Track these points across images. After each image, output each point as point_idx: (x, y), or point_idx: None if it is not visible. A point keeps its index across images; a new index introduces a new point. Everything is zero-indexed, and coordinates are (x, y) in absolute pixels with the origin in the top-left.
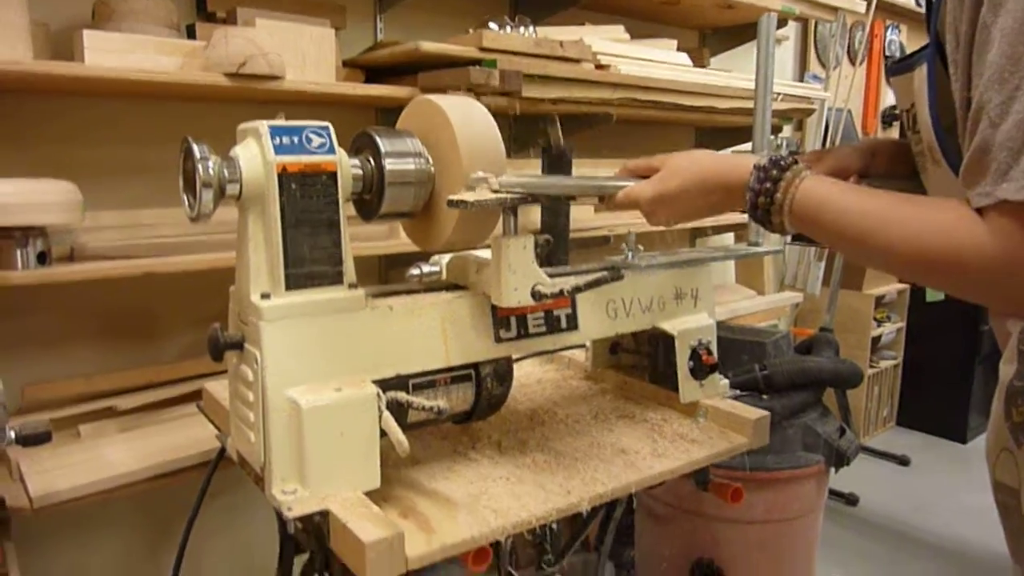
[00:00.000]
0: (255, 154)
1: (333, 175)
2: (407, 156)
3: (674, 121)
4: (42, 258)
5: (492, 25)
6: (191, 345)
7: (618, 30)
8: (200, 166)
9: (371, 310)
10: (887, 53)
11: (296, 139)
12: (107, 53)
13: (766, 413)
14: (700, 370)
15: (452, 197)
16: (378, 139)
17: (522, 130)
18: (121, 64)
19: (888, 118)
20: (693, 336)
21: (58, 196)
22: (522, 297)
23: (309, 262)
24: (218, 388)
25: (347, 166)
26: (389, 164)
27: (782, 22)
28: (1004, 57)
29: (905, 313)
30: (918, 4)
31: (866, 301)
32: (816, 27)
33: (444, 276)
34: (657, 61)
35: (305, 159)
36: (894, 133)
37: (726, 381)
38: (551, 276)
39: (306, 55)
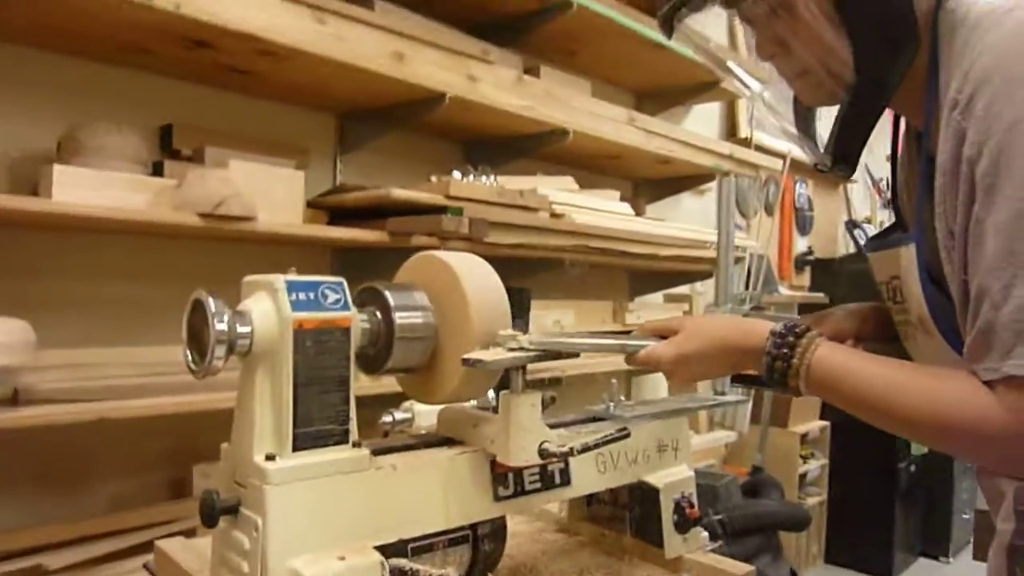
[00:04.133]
0: (269, 310)
1: (347, 331)
2: (416, 310)
3: (616, 265)
4: None
5: (456, 173)
6: (127, 494)
7: (568, 180)
8: (214, 321)
9: (375, 471)
10: (797, 205)
11: (312, 295)
12: (76, 188)
13: (751, 568)
14: (684, 524)
15: (468, 356)
16: (387, 293)
17: None
18: (91, 200)
19: (800, 264)
20: (676, 489)
21: (11, 336)
22: (530, 455)
23: (318, 421)
24: (174, 547)
25: (358, 321)
26: (399, 318)
27: (710, 176)
28: (1001, 248)
29: (827, 449)
30: (883, 193)
31: (792, 438)
32: (736, 180)
33: (416, 423)
34: (605, 211)
35: (320, 315)
36: (806, 278)
37: (706, 533)
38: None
39: (275, 196)
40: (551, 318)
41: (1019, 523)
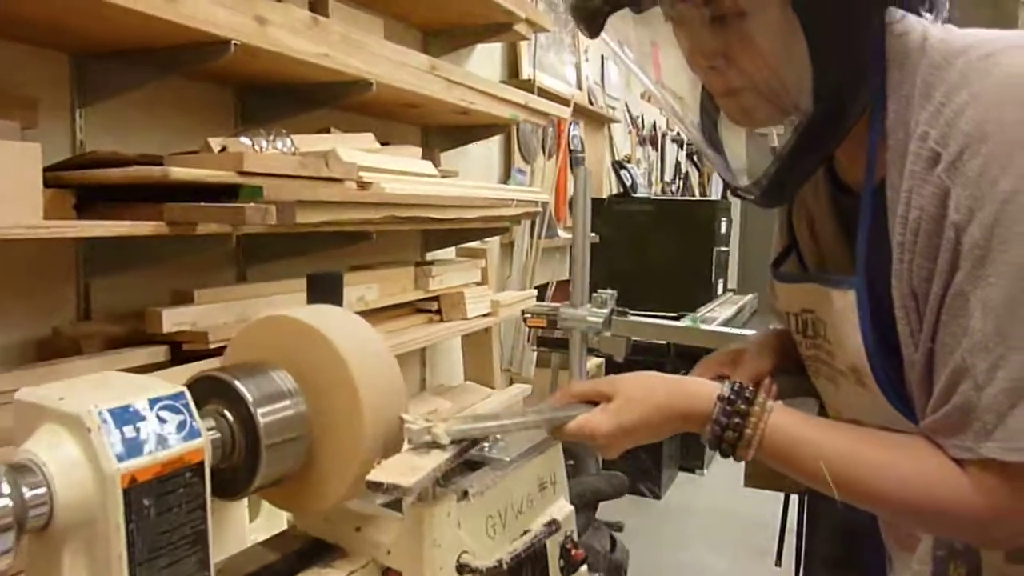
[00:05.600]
0: (77, 461)
1: (199, 467)
2: (281, 400)
3: (411, 229)
4: None
5: (244, 139)
6: None
7: (368, 138)
8: None
9: None
10: (571, 147)
11: (143, 428)
12: None
13: None
14: (570, 567)
15: (378, 479)
16: (238, 385)
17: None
18: None
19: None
20: (561, 531)
21: None
22: None
23: None
24: None
25: (208, 441)
26: (264, 417)
27: (503, 126)
28: (989, 328)
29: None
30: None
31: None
32: (519, 126)
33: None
34: (412, 174)
35: (161, 457)
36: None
37: (585, 567)
38: None
39: (2, 181)
40: (355, 295)
41: (936, 567)
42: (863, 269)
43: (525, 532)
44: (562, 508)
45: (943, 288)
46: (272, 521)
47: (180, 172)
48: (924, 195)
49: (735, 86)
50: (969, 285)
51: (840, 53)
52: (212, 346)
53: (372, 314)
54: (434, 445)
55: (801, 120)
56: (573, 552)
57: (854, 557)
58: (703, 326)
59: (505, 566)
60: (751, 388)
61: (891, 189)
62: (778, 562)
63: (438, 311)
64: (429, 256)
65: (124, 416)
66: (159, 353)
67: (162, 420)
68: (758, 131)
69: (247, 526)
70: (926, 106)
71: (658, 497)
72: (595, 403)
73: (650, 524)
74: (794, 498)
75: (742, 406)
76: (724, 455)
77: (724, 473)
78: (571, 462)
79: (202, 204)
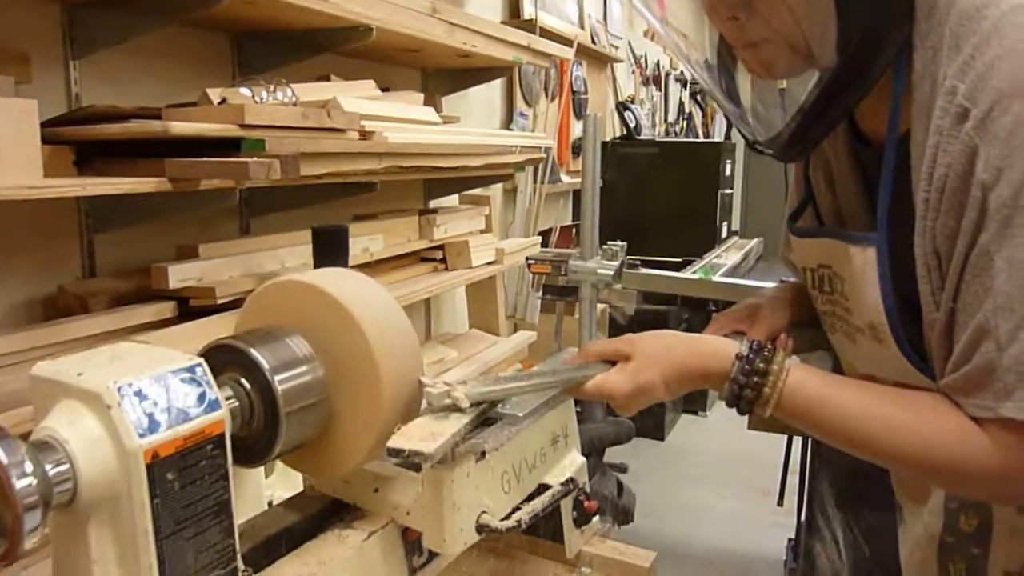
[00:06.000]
0: (98, 438)
1: (220, 439)
2: (299, 366)
3: (415, 178)
4: None
5: (244, 90)
6: None
7: (369, 85)
8: (13, 477)
9: None
10: (574, 88)
11: (163, 401)
12: None
13: (654, 554)
14: (583, 518)
15: (400, 446)
16: (254, 353)
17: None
18: None
19: (576, 149)
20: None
21: None
22: (468, 537)
23: (196, 574)
24: None
25: (227, 411)
26: (281, 384)
27: (506, 68)
28: (1014, 288)
29: (607, 328)
30: (644, 70)
31: (574, 322)
32: (521, 68)
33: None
34: (415, 121)
35: (183, 430)
36: (580, 163)
37: (597, 517)
38: None
39: (1, 140)
40: (360, 246)
41: (948, 519)
42: (885, 226)
43: (540, 486)
44: (574, 461)
45: (967, 247)
46: (288, 477)
47: (180, 127)
48: (951, 152)
49: (755, 39)
50: (995, 245)
51: (866, 2)
52: (219, 301)
53: (377, 264)
54: (454, 408)
55: (825, 73)
56: (586, 504)
57: (857, 498)
58: (715, 278)
59: (524, 526)
60: (769, 346)
61: (915, 144)
62: (780, 502)
63: (443, 260)
64: (432, 204)
65: (143, 391)
66: (166, 309)
67: (181, 393)
68: (777, 83)
69: (263, 483)
70: (955, 58)
71: (661, 439)
72: (612, 362)
73: (654, 465)
74: (797, 440)
75: (760, 364)
76: (742, 413)
77: (727, 415)
78: (578, 409)
79: (205, 160)
